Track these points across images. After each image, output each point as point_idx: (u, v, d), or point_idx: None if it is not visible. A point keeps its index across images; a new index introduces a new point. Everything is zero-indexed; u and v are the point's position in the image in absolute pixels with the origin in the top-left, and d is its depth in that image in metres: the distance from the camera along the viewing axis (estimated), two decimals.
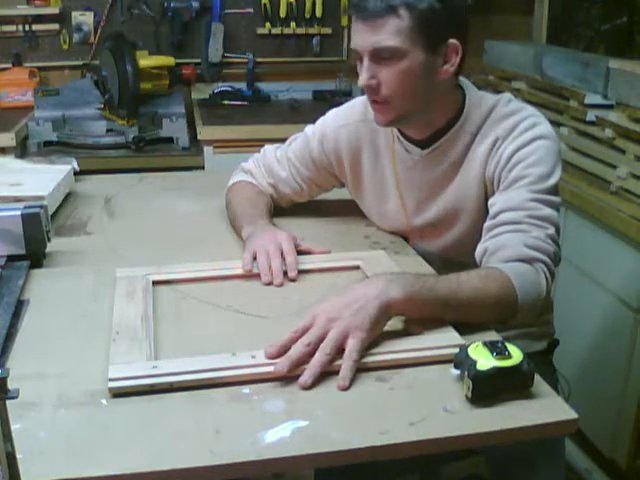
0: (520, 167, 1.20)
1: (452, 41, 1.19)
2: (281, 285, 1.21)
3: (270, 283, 1.22)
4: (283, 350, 0.95)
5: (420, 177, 1.34)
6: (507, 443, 0.97)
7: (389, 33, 1.16)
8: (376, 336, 0.99)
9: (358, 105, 1.42)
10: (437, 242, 1.38)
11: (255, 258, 1.25)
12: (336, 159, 1.44)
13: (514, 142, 1.22)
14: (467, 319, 1.06)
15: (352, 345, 0.95)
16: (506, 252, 1.15)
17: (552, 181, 1.21)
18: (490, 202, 1.25)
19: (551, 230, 1.18)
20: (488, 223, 1.22)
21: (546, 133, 1.23)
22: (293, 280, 1.23)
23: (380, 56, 1.18)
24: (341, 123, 1.43)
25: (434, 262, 1.33)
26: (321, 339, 0.96)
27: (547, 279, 1.15)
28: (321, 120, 1.48)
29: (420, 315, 1.04)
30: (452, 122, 1.28)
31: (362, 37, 1.19)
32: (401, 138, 1.35)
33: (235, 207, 1.46)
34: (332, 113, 1.47)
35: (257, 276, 1.23)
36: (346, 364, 0.94)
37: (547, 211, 1.19)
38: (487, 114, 1.27)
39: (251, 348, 0.97)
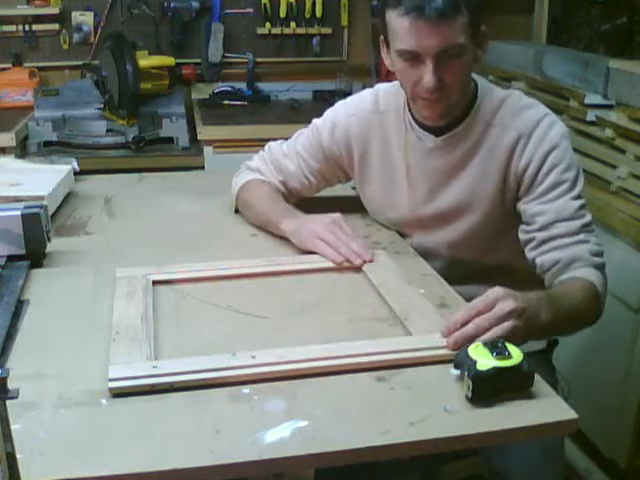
0: (557, 171, 1.25)
1: (483, 27, 1.23)
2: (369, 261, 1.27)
3: (361, 263, 1.26)
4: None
5: (435, 164, 1.35)
6: (507, 443, 0.97)
7: (458, 31, 1.17)
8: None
9: (368, 96, 1.43)
10: (443, 234, 1.38)
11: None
12: (346, 148, 1.44)
13: (545, 142, 1.25)
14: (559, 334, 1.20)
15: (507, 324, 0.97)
16: (580, 263, 1.20)
17: (581, 182, 1.27)
18: (529, 209, 1.26)
19: (595, 233, 1.25)
20: (543, 234, 1.24)
21: (566, 132, 1.29)
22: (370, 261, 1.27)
23: (446, 54, 1.18)
24: (352, 112, 1.44)
25: (438, 259, 1.33)
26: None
27: (606, 279, 1.23)
28: (330, 111, 1.48)
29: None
30: (467, 109, 1.30)
31: (429, 38, 1.16)
32: (414, 125, 1.35)
33: (256, 204, 1.46)
34: (341, 104, 1.47)
35: (257, 276, 1.24)
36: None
37: (589, 216, 1.25)
38: (499, 103, 1.30)
39: (251, 348, 0.97)
